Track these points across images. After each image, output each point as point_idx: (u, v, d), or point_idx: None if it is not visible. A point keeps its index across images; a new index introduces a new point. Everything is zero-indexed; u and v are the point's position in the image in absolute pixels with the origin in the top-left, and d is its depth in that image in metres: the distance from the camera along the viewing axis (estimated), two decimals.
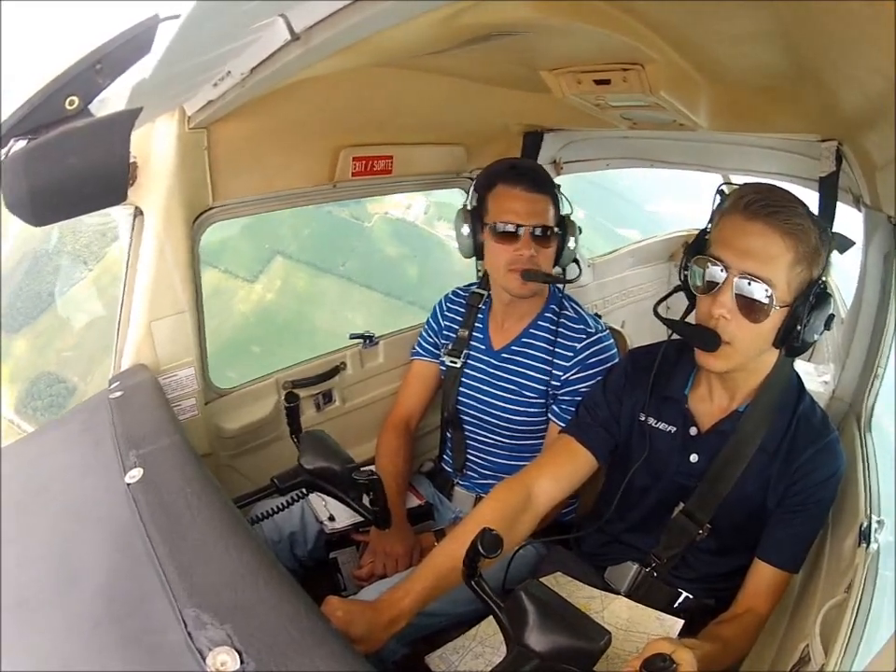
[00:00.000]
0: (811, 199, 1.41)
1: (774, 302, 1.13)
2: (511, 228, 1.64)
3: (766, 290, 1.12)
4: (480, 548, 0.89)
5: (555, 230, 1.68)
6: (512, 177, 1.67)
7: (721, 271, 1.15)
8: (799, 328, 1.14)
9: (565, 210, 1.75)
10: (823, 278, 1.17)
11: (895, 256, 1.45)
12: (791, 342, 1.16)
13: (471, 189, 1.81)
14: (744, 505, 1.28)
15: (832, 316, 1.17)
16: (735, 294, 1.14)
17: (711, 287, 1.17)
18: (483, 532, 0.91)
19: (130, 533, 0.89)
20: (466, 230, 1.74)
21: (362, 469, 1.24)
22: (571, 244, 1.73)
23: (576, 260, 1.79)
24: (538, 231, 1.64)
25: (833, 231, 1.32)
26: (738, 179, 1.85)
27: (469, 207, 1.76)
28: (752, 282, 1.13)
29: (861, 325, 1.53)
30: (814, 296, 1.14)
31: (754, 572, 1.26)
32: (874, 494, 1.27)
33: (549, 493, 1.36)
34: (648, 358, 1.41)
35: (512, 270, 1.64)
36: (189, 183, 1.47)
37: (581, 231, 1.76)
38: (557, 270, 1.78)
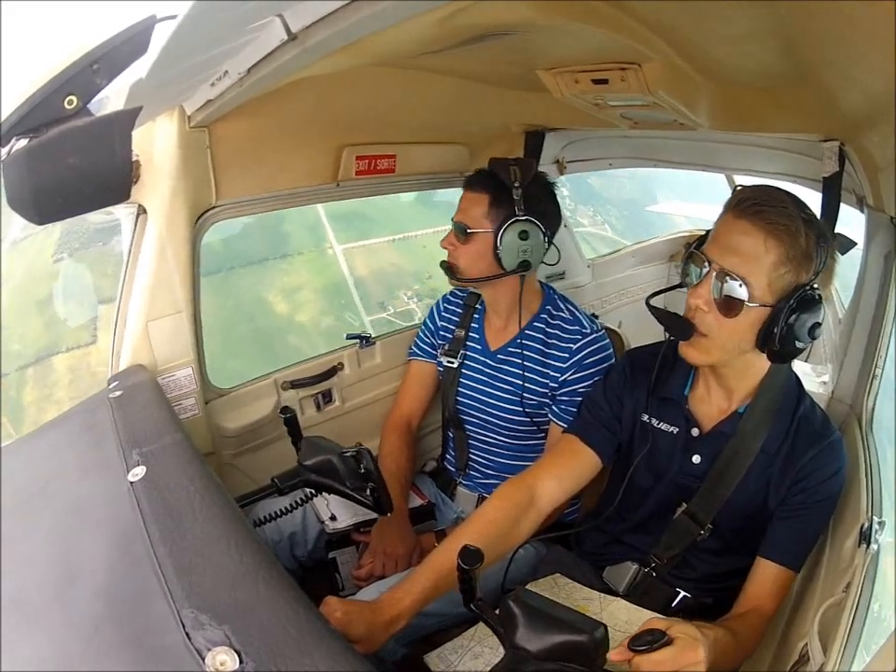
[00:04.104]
0: (815, 200, 1.40)
1: (748, 300, 1.13)
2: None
3: (742, 287, 1.13)
4: (461, 563, 0.89)
5: (469, 229, 1.68)
6: (466, 180, 1.76)
7: (703, 264, 1.17)
8: (775, 330, 1.14)
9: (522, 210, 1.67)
10: (814, 284, 1.15)
11: None
12: (771, 344, 1.16)
13: None
14: (746, 506, 1.28)
15: (817, 324, 1.15)
16: (713, 288, 1.16)
17: (693, 279, 1.20)
18: (462, 549, 0.91)
19: (131, 532, 0.90)
20: None
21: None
22: (500, 247, 1.66)
23: (526, 264, 1.69)
24: (457, 228, 1.71)
25: (836, 231, 1.32)
26: (742, 180, 1.84)
27: None
28: (729, 277, 1.14)
29: (860, 325, 1.52)
30: (796, 300, 1.13)
31: (757, 571, 1.25)
32: (875, 495, 1.26)
33: (552, 493, 1.36)
34: (646, 359, 1.41)
35: None
36: (193, 182, 1.48)
37: (525, 236, 1.66)
38: (548, 268, 1.82)
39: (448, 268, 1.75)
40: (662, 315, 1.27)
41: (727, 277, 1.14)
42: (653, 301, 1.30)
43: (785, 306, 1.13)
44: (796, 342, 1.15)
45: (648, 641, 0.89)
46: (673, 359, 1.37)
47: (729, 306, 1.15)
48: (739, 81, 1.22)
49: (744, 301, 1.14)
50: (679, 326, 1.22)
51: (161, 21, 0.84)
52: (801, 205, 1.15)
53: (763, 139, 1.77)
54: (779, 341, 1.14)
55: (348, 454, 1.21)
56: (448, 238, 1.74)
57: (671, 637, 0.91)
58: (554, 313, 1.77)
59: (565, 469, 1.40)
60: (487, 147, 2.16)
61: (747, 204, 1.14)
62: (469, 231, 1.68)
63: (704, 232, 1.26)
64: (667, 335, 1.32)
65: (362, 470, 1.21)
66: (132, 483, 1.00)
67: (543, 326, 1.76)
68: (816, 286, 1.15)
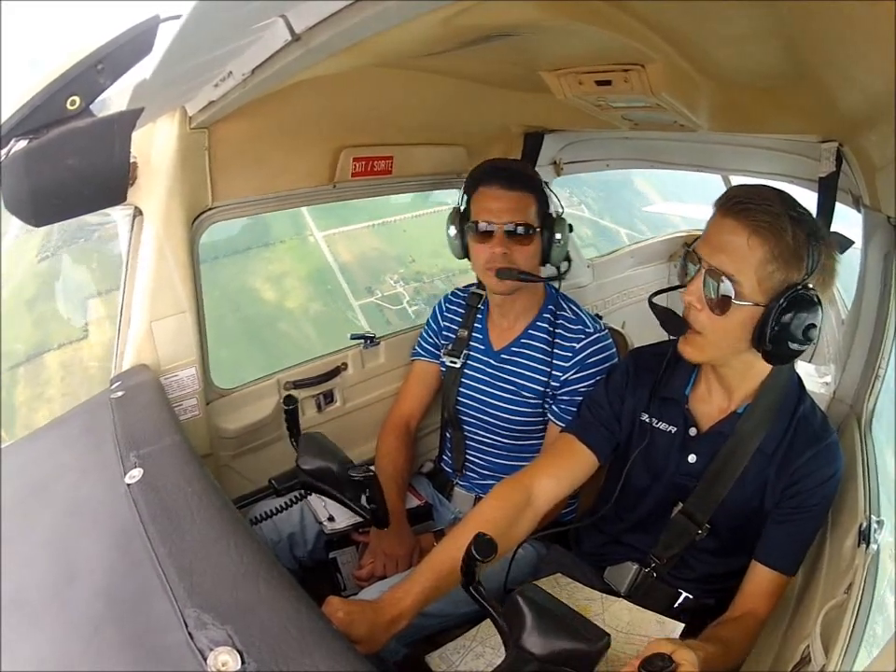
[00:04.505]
0: (811, 200, 1.41)
1: (734, 297, 1.14)
2: (486, 227, 1.65)
3: (729, 285, 1.14)
4: (474, 553, 0.89)
5: (534, 228, 1.66)
6: (490, 176, 1.68)
7: (695, 262, 1.19)
8: (766, 330, 1.14)
9: (556, 208, 1.74)
10: (809, 284, 1.14)
11: (895, 256, 1.44)
12: (764, 344, 1.16)
13: (461, 191, 1.81)
14: (742, 506, 1.28)
15: (812, 326, 1.14)
16: (703, 286, 1.17)
17: (687, 278, 1.22)
18: (476, 537, 0.91)
19: (130, 533, 0.89)
20: (453, 231, 1.75)
21: (359, 466, 1.25)
22: (559, 241, 1.71)
23: (568, 259, 1.78)
24: (512, 229, 1.64)
25: (833, 230, 1.32)
26: (739, 180, 1.85)
27: (460, 209, 1.76)
28: (718, 275, 1.15)
29: (862, 326, 1.52)
30: (786, 299, 1.12)
31: (752, 575, 1.26)
32: (873, 495, 1.27)
33: (549, 492, 1.35)
34: (650, 359, 1.41)
35: (489, 269, 1.66)
36: (189, 183, 1.47)
37: (571, 229, 1.76)
38: (550, 268, 1.77)
39: (507, 272, 1.65)
40: (659, 312, 1.29)
41: (716, 275, 1.15)
42: (656, 300, 1.31)
43: (775, 306, 1.13)
44: (790, 343, 1.14)
45: (659, 667, 0.90)
46: (676, 359, 1.37)
47: (719, 304, 1.16)
48: (740, 82, 1.22)
49: (731, 298, 1.15)
50: (673, 322, 1.24)
51: (165, 21, 0.84)
52: (790, 203, 1.15)
53: (760, 140, 1.78)
54: (770, 340, 1.14)
55: (356, 477, 1.22)
56: (499, 242, 1.64)
57: (676, 664, 0.91)
58: (557, 312, 1.77)
59: (561, 469, 1.40)
60: (485, 148, 2.16)
61: (732, 203, 1.15)
62: (531, 230, 1.66)
63: (701, 232, 1.27)
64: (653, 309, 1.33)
65: (366, 493, 1.23)
66: (128, 485, 1.00)
67: (547, 325, 1.76)
68: (811, 286, 1.15)
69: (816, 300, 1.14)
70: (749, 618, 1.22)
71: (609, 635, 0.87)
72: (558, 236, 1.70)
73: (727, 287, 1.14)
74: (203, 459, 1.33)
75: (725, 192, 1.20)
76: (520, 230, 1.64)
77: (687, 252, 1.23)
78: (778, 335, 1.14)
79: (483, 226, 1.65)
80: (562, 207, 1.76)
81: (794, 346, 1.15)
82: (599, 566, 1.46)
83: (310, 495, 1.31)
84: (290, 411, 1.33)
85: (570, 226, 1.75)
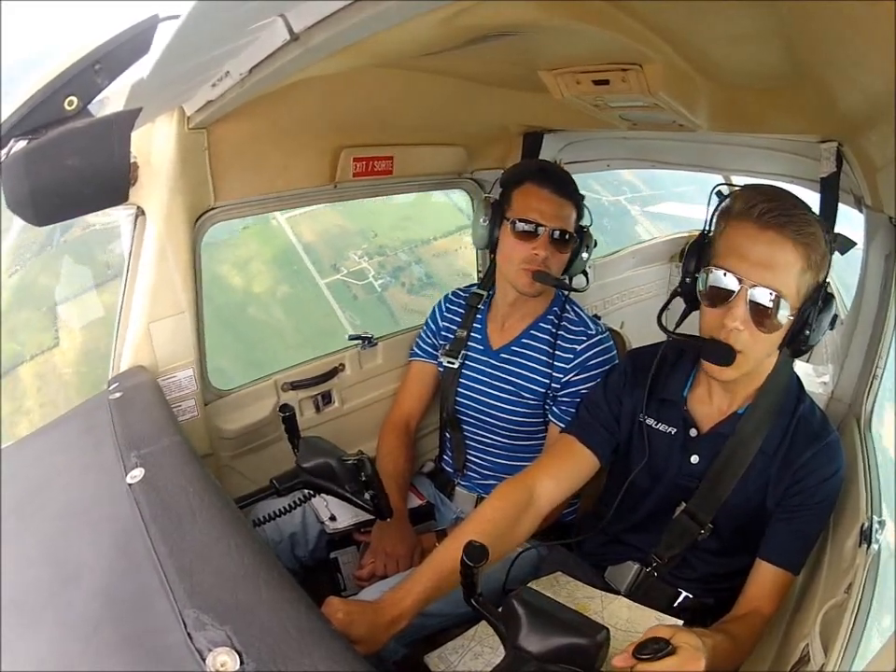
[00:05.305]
0: (811, 199, 1.41)
1: (787, 312, 1.13)
2: (530, 227, 1.64)
3: (779, 301, 1.12)
4: (466, 560, 0.89)
5: (573, 236, 1.69)
6: (542, 178, 1.68)
7: (735, 282, 1.14)
8: (807, 332, 1.15)
9: (585, 220, 1.76)
10: (827, 280, 1.17)
11: None
12: (798, 344, 1.17)
13: (496, 182, 1.83)
14: (745, 506, 1.28)
15: (835, 317, 1.18)
16: (749, 305, 1.14)
17: (723, 298, 1.16)
18: (467, 545, 0.90)
19: (130, 533, 0.90)
20: (485, 221, 1.74)
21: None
22: (585, 254, 1.75)
23: (584, 272, 1.81)
24: (556, 234, 1.65)
25: (836, 232, 1.33)
26: (738, 180, 1.85)
27: (493, 200, 1.76)
28: (766, 293, 1.12)
29: (861, 325, 1.53)
30: (821, 300, 1.15)
31: (756, 573, 1.26)
32: (874, 494, 1.27)
33: (551, 493, 1.35)
34: (647, 359, 1.41)
35: (525, 268, 1.66)
36: (191, 183, 1.47)
37: (596, 244, 1.79)
38: (563, 277, 1.78)
39: (543, 276, 1.67)
40: (695, 343, 1.24)
41: (763, 293, 1.12)
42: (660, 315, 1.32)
43: (813, 308, 1.15)
44: (819, 336, 1.18)
45: (653, 650, 0.89)
46: (673, 360, 1.37)
47: (768, 322, 1.14)
48: (739, 82, 1.22)
49: (785, 314, 1.13)
50: (721, 353, 1.18)
51: (164, 20, 0.84)
52: (807, 206, 1.16)
53: (760, 140, 1.78)
54: (808, 340, 1.17)
55: (349, 461, 1.22)
56: (543, 245, 1.64)
57: (675, 646, 0.91)
58: (561, 314, 1.77)
59: (562, 470, 1.40)
60: (485, 148, 2.16)
61: (771, 215, 1.12)
62: (571, 238, 1.69)
63: (699, 235, 1.26)
64: (669, 337, 1.32)
65: (363, 478, 1.22)
66: (130, 484, 0.99)
67: (550, 327, 1.77)
68: (828, 280, 1.17)
69: (831, 291, 1.18)
70: (755, 616, 1.22)
71: (606, 628, 0.86)
72: (585, 252, 1.75)
73: (776, 305, 1.12)
74: (204, 460, 1.33)
75: (750, 201, 1.15)
76: (560, 236, 1.65)
77: (709, 267, 1.18)
78: (814, 334, 1.16)
79: (526, 225, 1.65)
80: (591, 220, 1.78)
81: (820, 337, 1.18)
82: (600, 565, 1.46)
83: (313, 496, 1.31)
84: (287, 418, 1.32)
85: (596, 241, 1.78)
